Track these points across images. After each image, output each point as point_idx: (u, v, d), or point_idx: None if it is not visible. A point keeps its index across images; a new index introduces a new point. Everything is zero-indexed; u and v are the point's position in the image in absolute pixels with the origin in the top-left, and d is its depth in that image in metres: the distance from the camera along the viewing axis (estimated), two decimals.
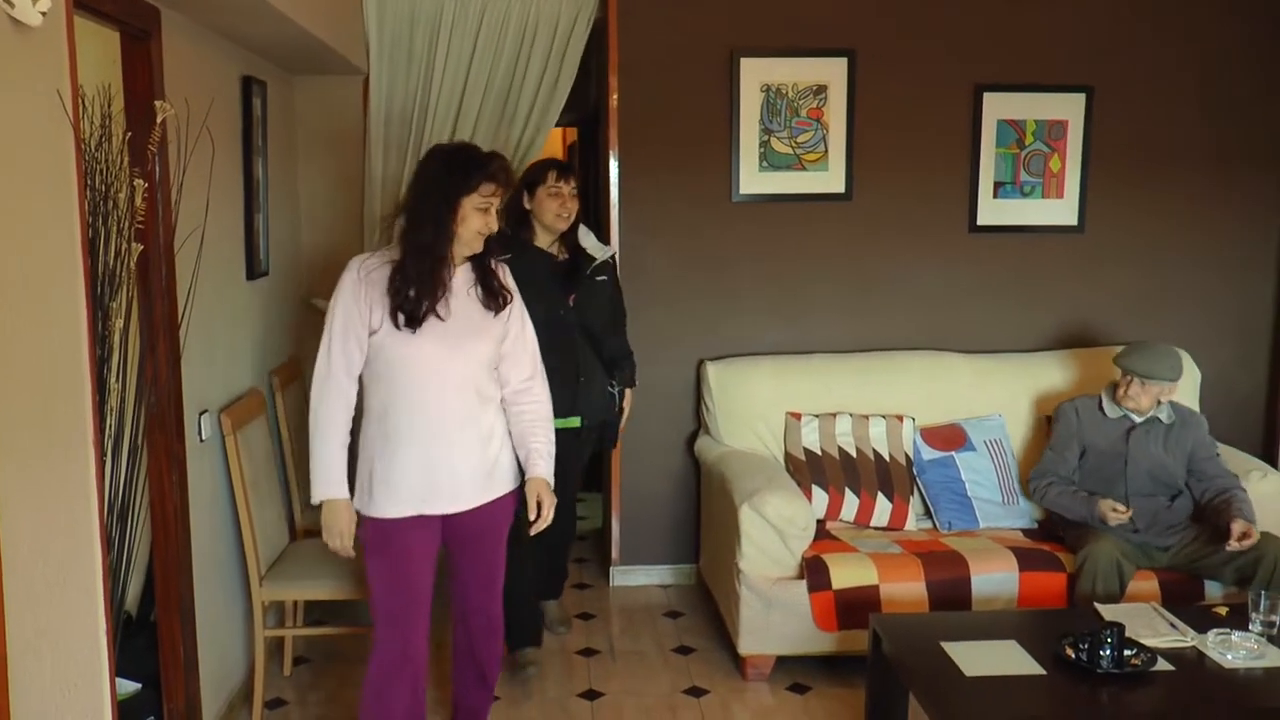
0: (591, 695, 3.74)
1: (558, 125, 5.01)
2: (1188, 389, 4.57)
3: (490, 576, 3.06)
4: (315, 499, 2.84)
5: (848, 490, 4.19)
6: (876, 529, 4.18)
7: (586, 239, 3.93)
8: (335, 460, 2.81)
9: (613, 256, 4.09)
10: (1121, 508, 3.75)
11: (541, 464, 2.97)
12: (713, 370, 4.49)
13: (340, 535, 2.83)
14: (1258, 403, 4.98)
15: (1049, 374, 4.55)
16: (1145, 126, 4.75)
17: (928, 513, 4.28)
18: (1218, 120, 4.79)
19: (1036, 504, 4.15)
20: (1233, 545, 3.60)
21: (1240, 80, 4.78)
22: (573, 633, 4.26)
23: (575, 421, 3.80)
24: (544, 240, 3.84)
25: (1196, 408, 4.55)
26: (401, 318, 2.76)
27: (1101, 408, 4.01)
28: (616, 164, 4.57)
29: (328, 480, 2.81)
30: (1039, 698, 2.88)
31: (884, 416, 4.34)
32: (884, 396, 4.43)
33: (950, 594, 3.75)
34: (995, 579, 3.78)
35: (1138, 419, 3.93)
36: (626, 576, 4.80)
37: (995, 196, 4.73)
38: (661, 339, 4.63)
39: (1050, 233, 4.79)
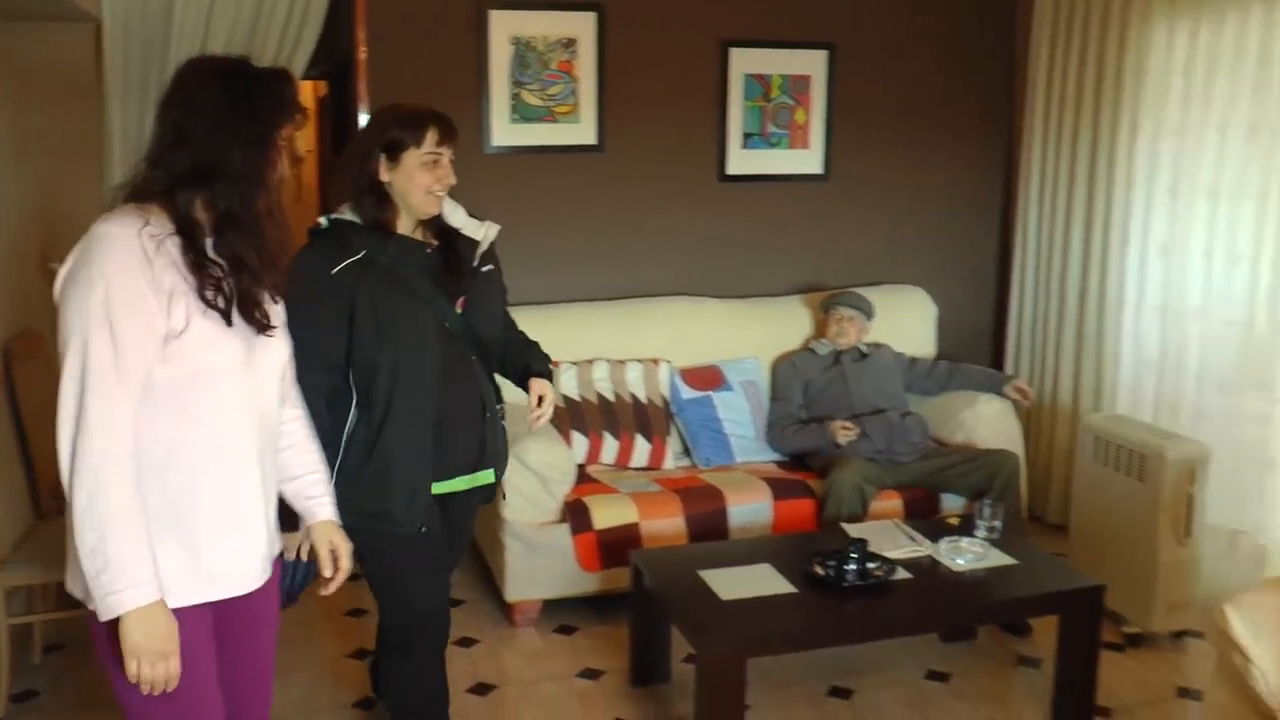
0: (361, 654, 3.71)
1: (307, 78, 4.86)
2: (926, 325, 4.92)
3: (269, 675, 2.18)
4: (113, 611, 1.74)
5: (606, 434, 4.29)
6: (636, 469, 4.29)
7: (456, 215, 2.75)
8: (143, 549, 1.75)
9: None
10: (850, 425, 4.10)
11: (329, 503, 2.20)
12: None
13: (166, 655, 1.79)
14: (986, 334, 5.40)
15: (800, 316, 4.77)
16: (883, 81, 5.02)
17: (686, 451, 4.45)
18: (949, 76, 5.12)
19: (779, 452, 4.43)
20: (1013, 394, 4.38)
21: (970, 38, 5.12)
22: (343, 594, 4.19)
23: (487, 477, 2.80)
24: (406, 225, 2.66)
25: (934, 343, 4.93)
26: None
27: (812, 350, 4.49)
28: (368, 119, 4.49)
29: (137, 579, 1.74)
30: (790, 613, 3.05)
31: (640, 361, 4.46)
32: (641, 342, 4.55)
33: (709, 526, 3.91)
34: (750, 509, 3.96)
35: (844, 349, 4.41)
36: None
37: (744, 147, 4.90)
38: None
39: (797, 181, 5.00)
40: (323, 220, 2.62)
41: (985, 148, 5.26)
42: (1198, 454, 3.69)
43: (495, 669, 3.62)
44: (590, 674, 3.59)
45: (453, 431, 2.67)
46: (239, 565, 1.94)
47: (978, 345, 5.36)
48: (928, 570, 3.27)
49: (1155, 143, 4.32)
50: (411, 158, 2.54)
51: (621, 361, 4.44)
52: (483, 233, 2.76)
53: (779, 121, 4.92)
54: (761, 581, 3.18)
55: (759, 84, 4.87)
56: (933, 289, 5.04)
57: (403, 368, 2.58)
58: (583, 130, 4.68)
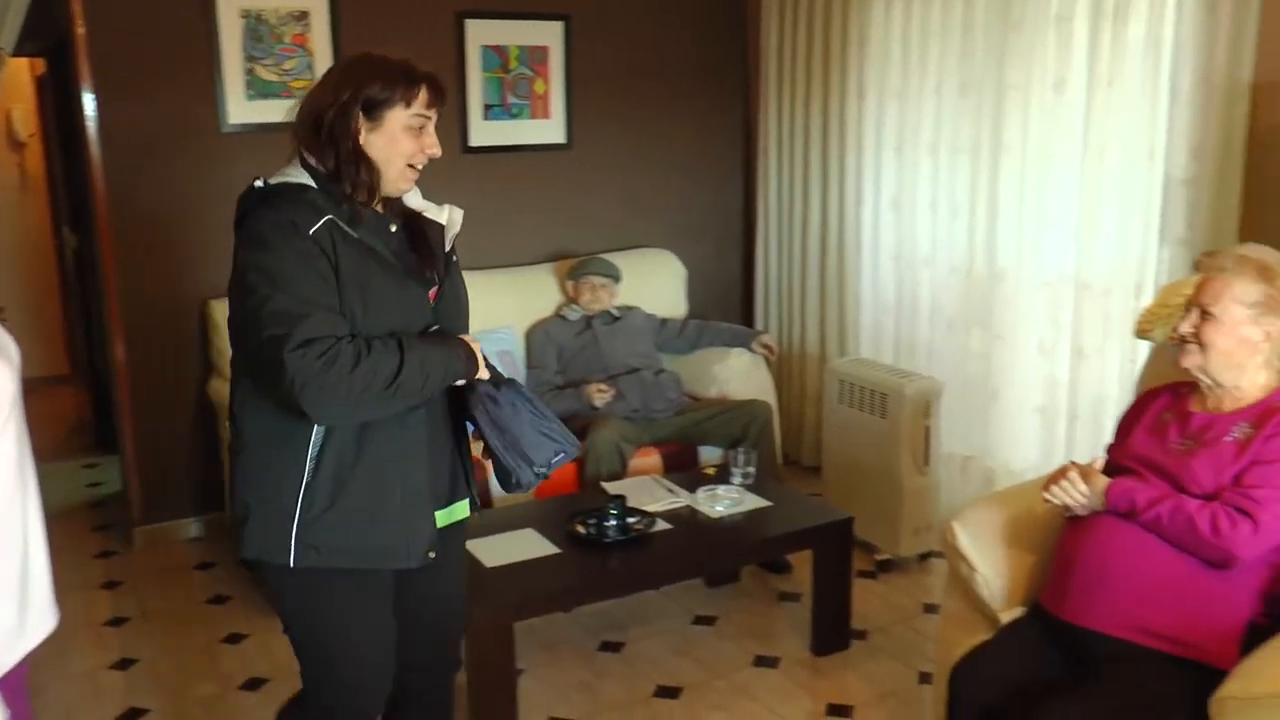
0: (125, 664, 3.53)
1: (20, 55, 4.51)
2: (675, 286, 5.05)
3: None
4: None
5: None
6: None
7: (413, 196, 2.26)
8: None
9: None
10: (605, 386, 4.18)
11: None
12: (219, 308, 4.32)
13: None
14: (737, 291, 5.59)
15: (551, 284, 4.80)
16: (620, 50, 5.10)
17: None
18: (684, 43, 5.24)
19: None
20: (760, 350, 4.54)
21: (702, 5, 5.26)
22: (97, 604, 3.99)
23: (463, 510, 2.35)
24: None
25: (685, 303, 5.07)
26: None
27: (563, 316, 4.58)
28: (93, 98, 4.23)
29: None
30: (554, 573, 3.10)
31: None
32: None
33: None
34: None
35: (595, 313, 4.50)
36: (153, 536, 4.54)
37: (486, 118, 4.89)
38: (161, 280, 4.38)
39: (541, 151, 5.03)
40: (259, 182, 2.05)
41: (724, 112, 5.43)
42: (931, 389, 3.95)
43: (268, 663, 3.53)
44: None
45: None
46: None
47: (729, 302, 5.55)
48: (687, 520, 3.38)
49: (881, 105, 4.58)
50: (396, 119, 2.06)
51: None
52: (445, 216, 2.28)
53: (519, 92, 4.93)
54: (525, 546, 3.22)
55: (497, 55, 4.86)
56: (681, 250, 5.17)
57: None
58: None
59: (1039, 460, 3.99)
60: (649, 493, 3.55)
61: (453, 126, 4.81)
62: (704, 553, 3.31)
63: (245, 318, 1.98)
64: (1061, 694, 2.14)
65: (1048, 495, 2.40)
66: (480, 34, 4.81)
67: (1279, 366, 2.30)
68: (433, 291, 2.16)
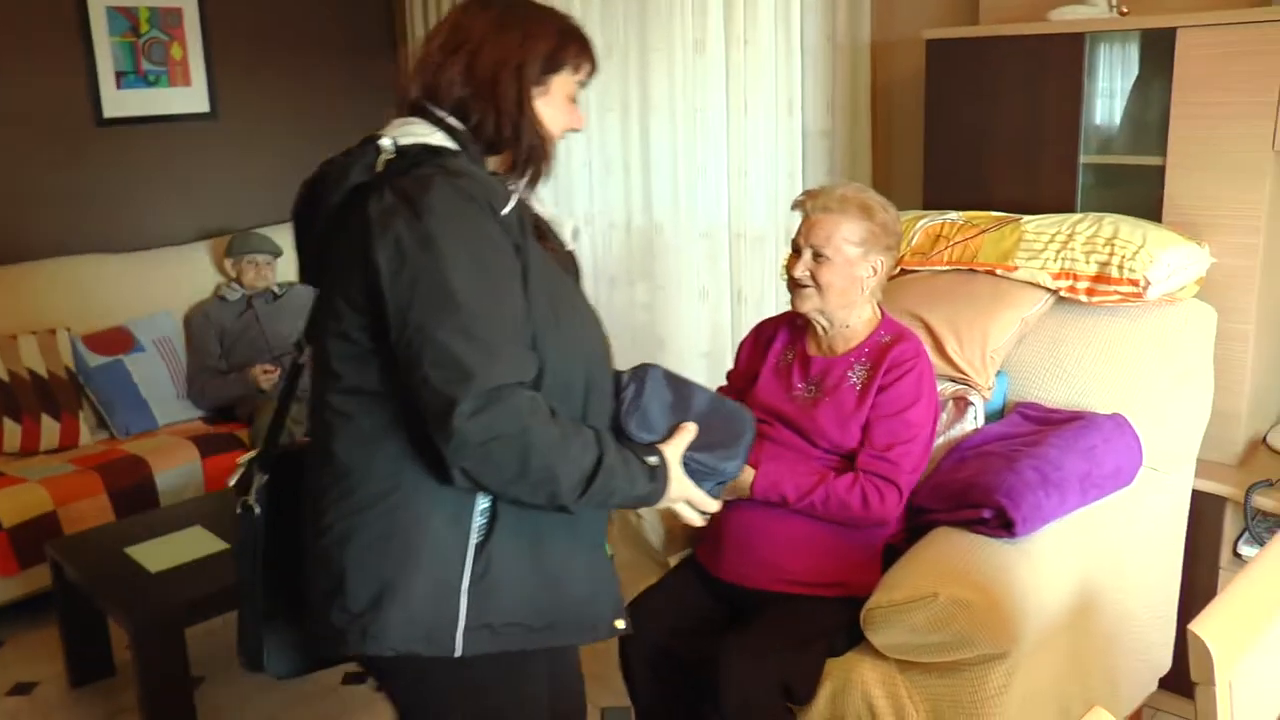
0: None
1: None
2: None
3: None
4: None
5: (6, 419, 3.85)
6: (49, 452, 3.91)
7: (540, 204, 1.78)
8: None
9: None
10: (271, 368, 4.03)
11: None
12: None
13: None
14: None
15: (209, 263, 4.55)
16: (261, 11, 4.85)
17: (103, 423, 4.12)
18: (335, 12, 5.06)
19: (204, 408, 4.25)
20: None
21: None
22: None
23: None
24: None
25: None
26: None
27: (223, 297, 4.35)
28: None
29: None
30: (224, 571, 2.93)
31: (34, 333, 4.02)
32: (32, 311, 4.10)
33: (137, 499, 3.67)
34: (178, 472, 3.77)
35: (256, 293, 4.33)
36: None
37: (120, 87, 4.53)
38: None
39: (185, 121, 4.72)
40: (387, 141, 1.57)
41: (374, 74, 5.23)
42: None
43: None
44: (22, 689, 3.26)
45: None
46: None
47: None
48: None
49: None
50: (563, 86, 1.67)
51: (12, 336, 3.98)
52: (569, 230, 1.94)
53: (154, 58, 4.60)
54: (193, 545, 3.06)
55: (125, 18, 4.50)
56: None
57: (596, 384, 1.65)
58: None
59: None
60: None
61: (82, 97, 4.43)
62: None
63: (409, 334, 1.45)
64: (725, 631, 2.25)
65: None
66: None
67: (879, 299, 2.44)
68: None
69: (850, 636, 2.21)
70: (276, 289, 4.38)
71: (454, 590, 1.51)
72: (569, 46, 1.66)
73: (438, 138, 1.59)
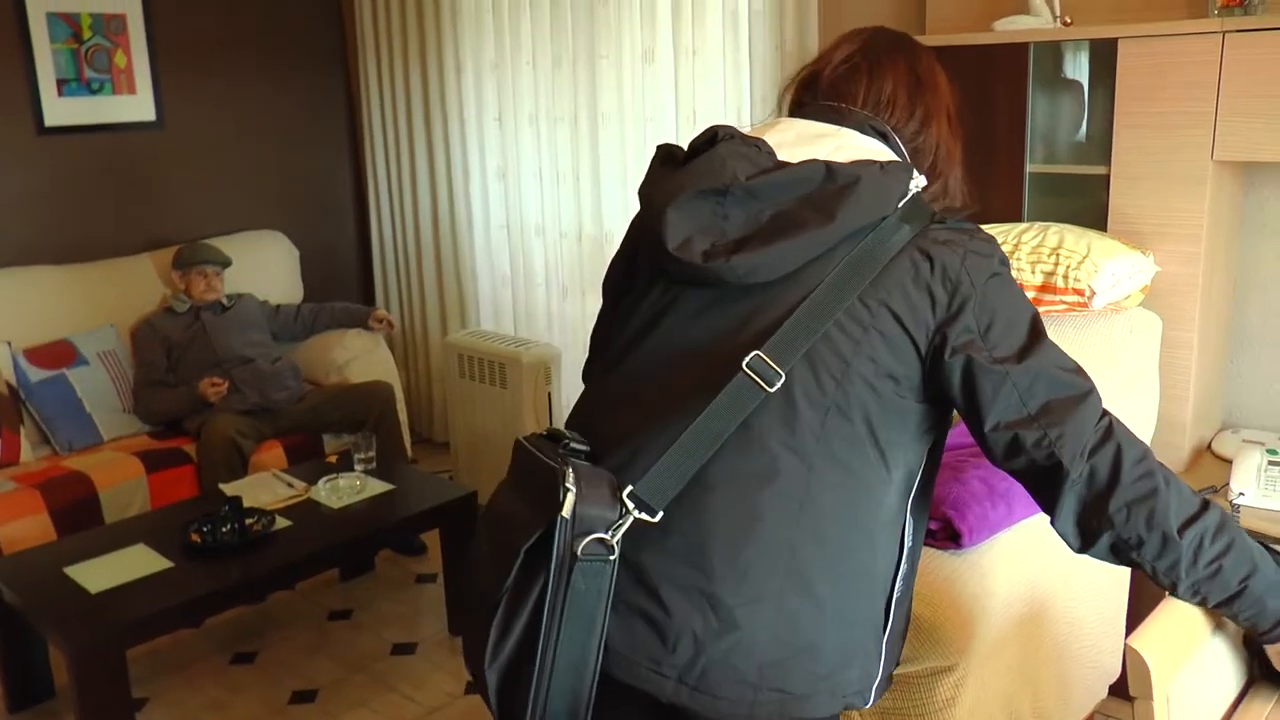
0: None
1: None
2: (289, 268, 4.85)
3: None
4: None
5: None
6: None
7: None
8: None
9: None
10: (219, 380, 3.98)
11: None
12: None
13: None
14: (354, 269, 5.45)
15: (153, 274, 4.48)
16: (208, 19, 4.78)
17: (46, 439, 4.03)
18: (275, 13, 4.98)
19: (150, 422, 4.17)
20: (376, 326, 4.48)
21: None
22: None
23: None
24: None
25: (300, 285, 4.88)
26: None
27: (170, 309, 4.28)
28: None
29: None
30: (167, 590, 2.89)
31: None
32: None
33: (80, 517, 3.59)
34: (123, 488, 3.70)
35: (204, 305, 4.26)
36: None
37: (61, 95, 4.45)
38: None
39: (130, 130, 4.64)
40: (916, 177, 1.44)
41: (324, 83, 5.23)
42: (549, 355, 4.02)
43: None
44: None
45: None
46: None
47: (347, 281, 5.39)
48: (308, 513, 3.26)
49: (479, 77, 4.57)
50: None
51: None
52: None
53: (97, 65, 4.52)
54: (135, 564, 2.99)
55: (67, 24, 4.43)
56: (292, 231, 4.96)
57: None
58: None
59: None
60: (268, 489, 3.40)
61: (23, 105, 4.35)
62: (326, 546, 3.20)
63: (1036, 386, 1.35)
64: None
65: None
66: (45, 0, 4.36)
67: None
68: None
69: None
70: (225, 300, 4.31)
71: (879, 639, 1.46)
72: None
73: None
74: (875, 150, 1.44)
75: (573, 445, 1.43)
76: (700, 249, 1.37)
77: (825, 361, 1.34)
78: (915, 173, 1.43)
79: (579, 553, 1.31)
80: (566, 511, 1.32)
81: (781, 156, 1.41)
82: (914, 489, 1.43)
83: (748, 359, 1.33)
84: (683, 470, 1.34)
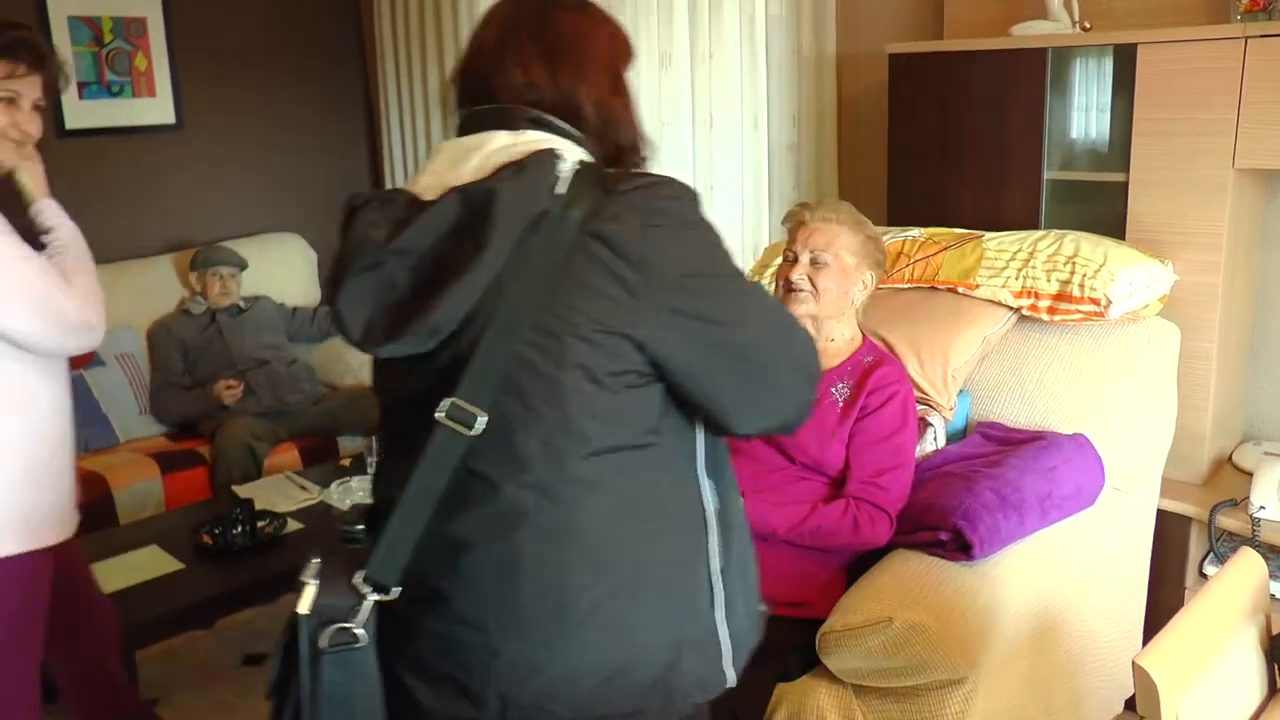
0: None
1: None
2: (306, 271, 4.86)
3: None
4: None
5: None
6: None
7: None
8: None
9: None
10: (234, 382, 4.01)
11: None
12: None
13: None
14: None
15: (172, 276, 4.49)
16: (229, 23, 4.80)
17: None
18: (297, 15, 5.00)
19: (166, 423, 4.19)
20: None
21: None
22: None
23: None
24: None
25: (317, 288, 4.88)
26: None
27: (187, 311, 4.30)
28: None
29: None
30: (178, 591, 2.89)
31: None
32: None
33: (95, 517, 3.56)
34: (138, 489, 3.71)
35: (220, 308, 4.26)
36: None
37: (82, 98, 4.48)
38: None
39: (150, 133, 4.66)
40: (564, 159, 1.34)
41: (343, 87, 5.23)
42: None
43: None
44: None
45: None
46: None
47: None
48: (320, 516, 3.26)
49: None
50: None
51: None
52: None
53: (118, 68, 4.55)
54: (147, 565, 2.99)
55: (88, 27, 4.45)
56: (310, 234, 4.96)
57: None
58: None
59: None
60: (281, 492, 3.40)
61: (47, 109, 4.36)
62: (335, 546, 3.20)
63: (755, 331, 1.36)
64: None
65: None
66: (65, 3, 4.38)
67: (860, 320, 2.47)
68: None
69: (807, 659, 2.17)
70: (241, 303, 4.32)
71: (714, 620, 1.42)
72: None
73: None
74: (529, 143, 1.35)
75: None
76: (380, 329, 1.31)
77: (530, 387, 1.27)
78: (572, 147, 1.36)
79: (325, 645, 1.30)
80: (304, 606, 1.31)
81: (429, 196, 1.33)
82: (699, 454, 1.38)
83: (444, 408, 1.27)
84: (407, 537, 1.30)
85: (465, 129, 1.41)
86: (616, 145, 1.46)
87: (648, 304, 1.26)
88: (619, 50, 1.50)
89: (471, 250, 1.26)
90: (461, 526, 1.29)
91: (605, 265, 1.25)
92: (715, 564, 1.36)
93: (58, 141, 4.43)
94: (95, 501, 3.62)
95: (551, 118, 1.39)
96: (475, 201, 1.28)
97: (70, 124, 4.45)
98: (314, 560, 1.34)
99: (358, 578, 1.31)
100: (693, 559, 1.35)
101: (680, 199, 1.31)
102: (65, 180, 4.38)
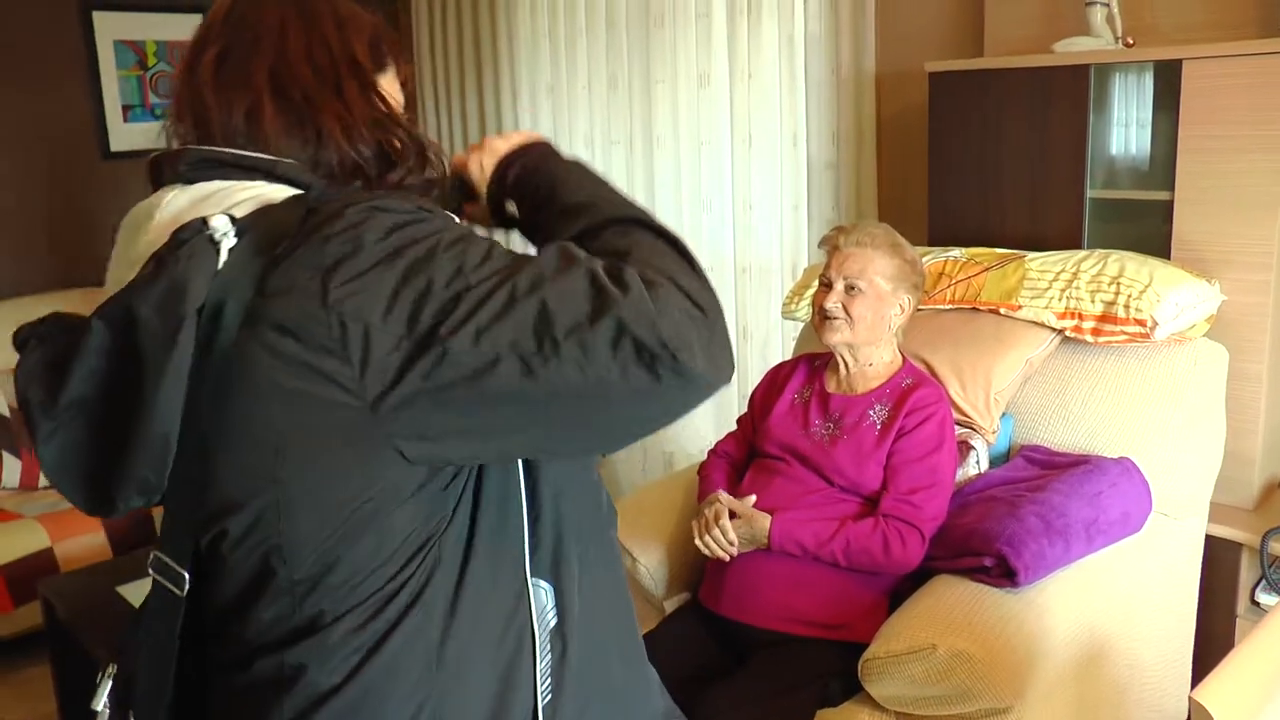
0: None
1: None
2: None
3: None
4: None
5: (5, 454, 3.83)
6: (48, 488, 3.89)
7: None
8: None
9: None
10: None
11: None
12: None
13: None
14: None
15: None
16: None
17: None
18: None
19: None
20: None
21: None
22: None
23: None
24: None
25: None
26: None
27: None
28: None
29: None
30: None
31: None
32: None
33: (136, 534, 3.63)
34: None
35: None
36: None
37: (126, 121, 4.54)
38: None
39: None
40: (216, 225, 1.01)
41: None
42: None
43: None
44: None
45: None
46: None
47: None
48: None
49: (535, 100, 4.56)
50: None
51: (12, 370, 3.97)
52: None
53: (161, 91, 4.61)
54: None
55: (133, 51, 4.52)
56: None
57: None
58: None
59: (714, 441, 4.10)
60: None
61: (89, 131, 4.44)
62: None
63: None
64: (716, 681, 2.18)
65: (702, 546, 2.32)
66: (111, 27, 4.45)
67: (900, 342, 2.45)
68: None
69: (849, 684, 2.14)
70: None
71: None
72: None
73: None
74: (198, 200, 1.05)
75: None
76: (104, 499, 1.05)
77: (239, 522, 0.99)
78: (264, 186, 1.03)
79: None
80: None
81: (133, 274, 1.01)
82: (467, 526, 1.05)
83: (150, 561, 1.06)
84: (155, 701, 1.11)
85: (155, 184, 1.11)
86: (353, 159, 1.10)
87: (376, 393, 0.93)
88: (316, 15, 1.12)
89: (136, 405, 0.97)
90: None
91: (298, 361, 0.93)
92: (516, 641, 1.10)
93: (103, 163, 4.50)
94: (135, 520, 3.64)
95: (223, 149, 1.06)
96: (119, 331, 0.98)
97: (115, 146, 4.52)
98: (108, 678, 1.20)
99: None
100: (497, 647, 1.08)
101: (366, 228, 0.94)
102: (110, 202, 4.48)
